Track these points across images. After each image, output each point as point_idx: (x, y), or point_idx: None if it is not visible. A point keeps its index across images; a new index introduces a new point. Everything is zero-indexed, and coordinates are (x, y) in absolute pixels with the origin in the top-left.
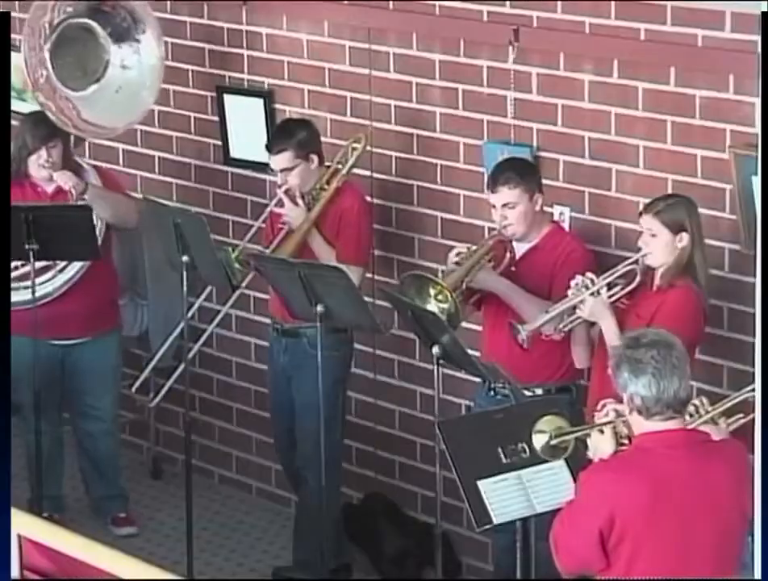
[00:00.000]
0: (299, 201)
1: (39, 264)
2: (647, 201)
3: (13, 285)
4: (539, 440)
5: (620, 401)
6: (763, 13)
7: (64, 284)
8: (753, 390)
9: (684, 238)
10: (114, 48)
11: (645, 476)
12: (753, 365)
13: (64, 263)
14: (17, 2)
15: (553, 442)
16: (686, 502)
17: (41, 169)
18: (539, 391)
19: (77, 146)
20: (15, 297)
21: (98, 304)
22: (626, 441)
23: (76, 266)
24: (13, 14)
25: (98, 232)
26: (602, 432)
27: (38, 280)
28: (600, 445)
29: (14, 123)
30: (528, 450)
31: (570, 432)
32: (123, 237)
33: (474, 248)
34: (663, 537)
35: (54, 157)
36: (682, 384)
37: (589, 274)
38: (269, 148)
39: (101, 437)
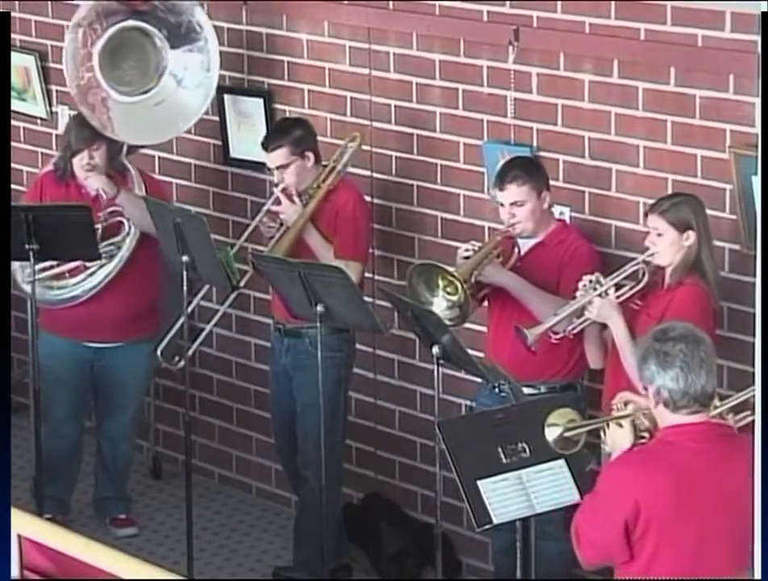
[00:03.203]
0: (296, 199)
1: (72, 264)
2: (647, 201)
3: (46, 283)
4: (552, 433)
5: (637, 395)
6: (763, 13)
7: (93, 287)
8: None
9: (691, 236)
10: (174, 54)
11: (671, 469)
12: (753, 365)
13: (95, 266)
14: (17, 2)
15: (567, 434)
16: (709, 495)
17: (82, 171)
18: (544, 389)
19: (131, 153)
20: (46, 295)
21: (132, 309)
22: (645, 435)
23: (106, 270)
24: (13, 14)
25: (131, 237)
26: (620, 425)
27: (72, 280)
28: (619, 439)
29: (14, 123)
30: (528, 450)
31: (585, 424)
32: None
33: (482, 244)
34: (686, 530)
35: (96, 159)
36: (709, 378)
37: (597, 275)
38: (265, 145)
39: (119, 442)
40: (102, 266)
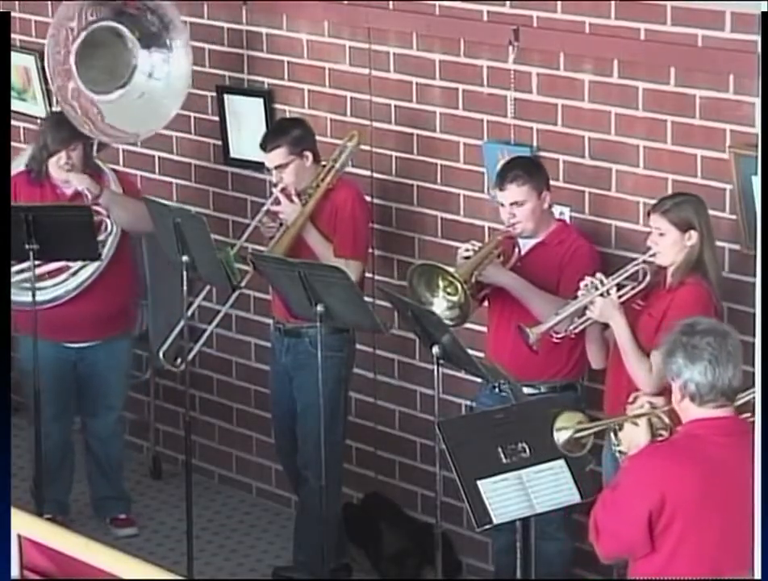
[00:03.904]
0: (295, 198)
1: (53, 266)
2: (647, 201)
3: (26, 285)
4: (562, 436)
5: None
6: (763, 13)
7: (76, 287)
8: None
9: (693, 236)
10: (143, 53)
11: (697, 461)
12: (753, 365)
13: (77, 266)
14: (17, 2)
15: (578, 435)
16: (734, 489)
17: (60, 171)
18: (544, 389)
19: (100, 150)
20: (26, 297)
21: (112, 307)
22: (663, 433)
23: (89, 270)
24: (13, 14)
25: (113, 236)
26: (636, 424)
27: (51, 281)
28: (635, 437)
29: (14, 123)
30: (528, 450)
31: (596, 425)
32: None
33: (482, 244)
34: (710, 524)
35: (74, 159)
36: (736, 372)
37: (599, 275)
38: (264, 146)
39: (109, 439)
40: (83, 266)
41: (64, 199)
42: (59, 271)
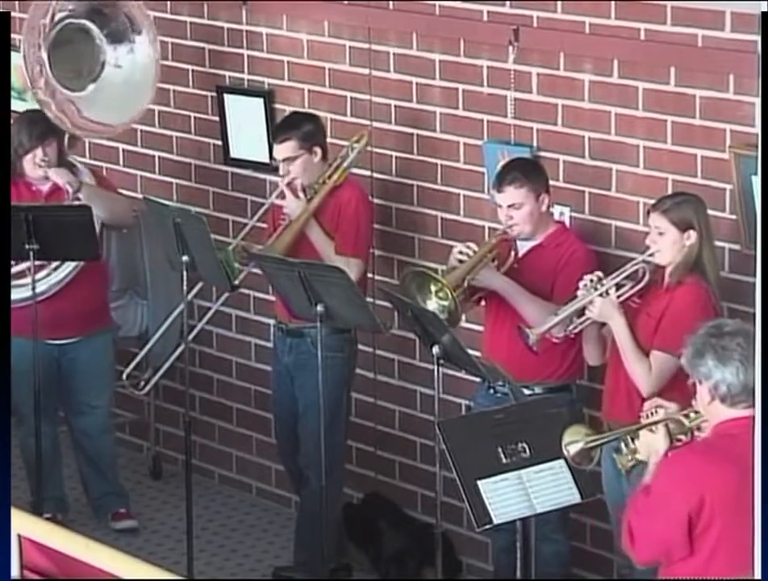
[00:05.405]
0: (300, 193)
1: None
2: (647, 201)
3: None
4: (572, 449)
5: (646, 398)
6: (763, 13)
7: (59, 282)
8: None
9: (692, 235)
10: (110, 48)
11: (734, 461)
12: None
13: (56, 262)
14: (17, 2)
15: (588, 446)
16: None
17: (36, 168)
18: (539, 390)
19: (71, 146)
20: (12, 295)
21: (92, 303)
22: (682, 438)
23: (71, 264)
24: (13, 14)
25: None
26: (652, 431)
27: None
28: (654, 444)
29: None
30: (528, 450)
31: (609, 435)
32: (123, 237)
33: (477, 248)
34: (747, 524)
35: (50, 156)
36: None
37: (598, 274)
38: (274, 136)
39: (98, 435)
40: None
41: (39, 197)
42: (39, 268)
